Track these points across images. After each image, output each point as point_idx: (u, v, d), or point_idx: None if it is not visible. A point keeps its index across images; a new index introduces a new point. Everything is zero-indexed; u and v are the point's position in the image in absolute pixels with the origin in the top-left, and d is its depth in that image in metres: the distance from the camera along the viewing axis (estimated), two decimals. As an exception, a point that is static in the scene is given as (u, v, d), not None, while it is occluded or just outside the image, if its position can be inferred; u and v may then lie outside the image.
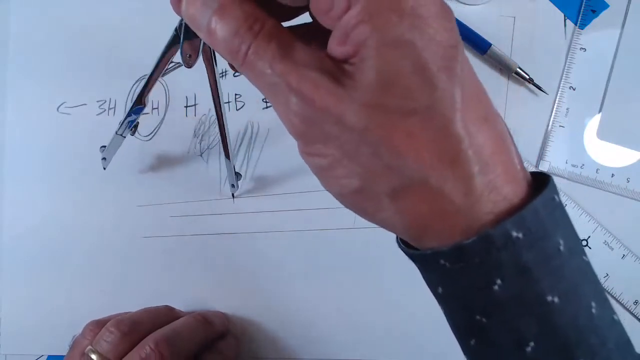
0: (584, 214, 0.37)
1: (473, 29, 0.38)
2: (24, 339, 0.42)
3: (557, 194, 0.20)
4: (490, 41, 0.38)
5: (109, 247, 0.42)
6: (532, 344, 0.19)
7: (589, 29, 0.38)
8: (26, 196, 0.43)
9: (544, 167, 0.38)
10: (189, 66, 0.26)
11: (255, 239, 0.40)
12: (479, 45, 0.38)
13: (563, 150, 0.38)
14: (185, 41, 0.26)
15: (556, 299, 0.19)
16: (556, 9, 0.39)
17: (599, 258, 0.37)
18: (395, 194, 0.19)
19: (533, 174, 0.21)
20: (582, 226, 0.37)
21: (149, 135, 0.42)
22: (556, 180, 0.37)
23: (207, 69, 0.30)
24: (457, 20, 0.40)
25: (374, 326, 0.39)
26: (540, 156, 0.38)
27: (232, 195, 0.41)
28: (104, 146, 0.37)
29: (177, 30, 0.26)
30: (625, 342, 0.21)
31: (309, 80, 0.18)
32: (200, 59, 0.28)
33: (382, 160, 0.18)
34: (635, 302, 0.37)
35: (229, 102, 0.41)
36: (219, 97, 0.32)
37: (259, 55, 0.18)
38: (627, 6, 0.38)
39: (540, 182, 0.20)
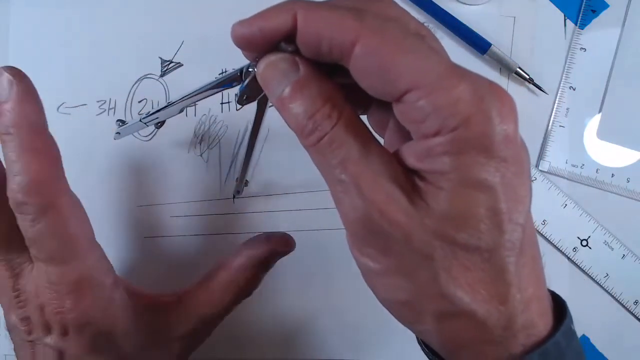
0: (584, 214, 0.37)
1: (473, 29, 0.38)
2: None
3: (572, 320, 0.21)
4: (490, 41, 0.38)
5: (109, 247, 0.42)
6: None
7: (589, 29, 0.38)
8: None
9: (544, 167, 0.38)
10: (241, 105, 0.24)
11: (255, 239, 0.40)
12: (479, 45, 0.38)
13: (563, 150, 0.38)
14: (247, 87, 0.23)
15: None
16: (556, 9, 0.39)
17: (599, 258, 0.37)
18: (441, 317, 0.19)
19: (554, 295, 0.21)
20: (582, 226, 0.37)
21: (149, 135, 0.41)
22: (556, 180, 0.38)
23: (257, 112, 0.28)
24: (457, 20, 0.41)
25: (375, 326, 0.39)
26: (540, 156, 0.38)
27: (233, 195, 0.41)
28: (122, 120, 0.36)
29: (241, 73, 0.23)
30: None
31: (383, 191, 0.18)
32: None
33: (438, 286, 0.18)
34: (635, 302, 0.37)
35: (229, 102, 0.41)
36: (256, 136, 0.30)
37: (333, 148, 0.18)
38: (627, 6, 0.38)
39: (556, 302, 0.21)
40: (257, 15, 0.18)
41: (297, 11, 0.18)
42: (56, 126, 0.44)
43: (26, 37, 0.44)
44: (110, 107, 0.42)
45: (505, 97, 0.18)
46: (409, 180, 0.18)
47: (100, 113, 0.42)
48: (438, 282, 0.18)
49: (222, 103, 0.41)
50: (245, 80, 0.22)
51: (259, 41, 0.19)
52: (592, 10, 0.38)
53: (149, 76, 0.42)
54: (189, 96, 0.27)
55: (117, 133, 0.37)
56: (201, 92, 0.27)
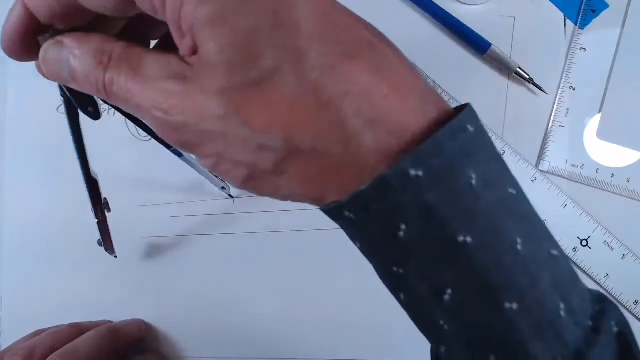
0: (584, 214, 0.37)
1: (473, 29, 0.38)
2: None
3: (474, 122, 0.18)
4: (490, 41, 0.38)
5: (109, 247, 0.42)
6: (449, 291, 0.18)
7: (589, 29, 0.38)
8: (26, 197, 0.43)
9: (544, 167, 0.38)
10: (97, 118, 0.25)
11: (255, 239, 0.40)
12: (479, 45, 0.38)
13: (563, 150, 0.38)
14: (75, 100, 0.24)
15: (469, 239, 0.17)
16: (556, 9, 0.39)
17: (599, 258, 0.37)
18: (279, 169, 0.18)
19: (459, 107, 0.19)
20: (582, 226, 0.37)
21: (149, 135, 0.42)
22: (556, 180, 0.38)
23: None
24: (457, 20, 0.41)
25: (375, 326, 0.39)
26: (540, 156, 0.38)
27: (232, 195, 0.41)
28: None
29: (62, 95, 0.24)
30: (567, 278, 0.19)
31: (161, 91, 0.18)
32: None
33: (253, 143, 0.17)
34: (635, 302, 0.37)
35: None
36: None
37: (116, 84, 0.18)
38: (627, 6, 0.38)
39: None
40: (4, 26, 0.20)
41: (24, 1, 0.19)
42: (56, 126, 0.44)
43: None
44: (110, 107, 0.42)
45: None
46: (186, 64, 0.18)
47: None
48: (248, 138, 0.17)
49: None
50: (69, 95, 0.23)
51: (20, 45, 0.20)
52: (592, 10, 0.38)
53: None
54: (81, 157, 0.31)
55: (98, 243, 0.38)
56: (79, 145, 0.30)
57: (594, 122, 0.38)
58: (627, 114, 0.38)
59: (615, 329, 0.19)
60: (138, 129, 0.41)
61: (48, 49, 0.20)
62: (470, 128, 0.18)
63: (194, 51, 0.17)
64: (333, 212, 0.19)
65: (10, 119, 0.44)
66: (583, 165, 0.38)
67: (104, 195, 0.36)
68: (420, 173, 0.17)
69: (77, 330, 0.38)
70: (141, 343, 0.40)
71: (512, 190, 0.18)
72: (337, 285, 0.39)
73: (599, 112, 0.38)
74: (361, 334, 0.39)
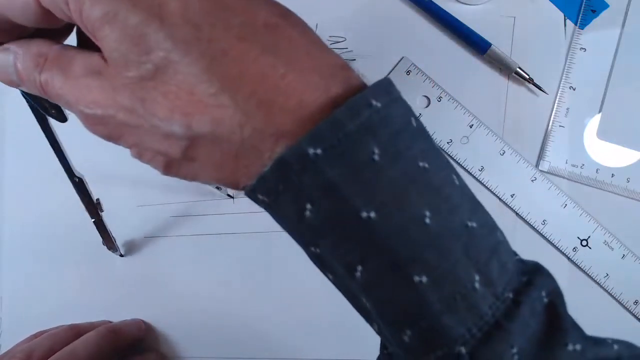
0: (584, 214, 0.37)
1: (473, 29, 0.38)
2: (24, 338, 0.41)
3: (382, 96, 0.18)
4: (490, 41, 0.38)
5: (109, 247, 0.42)
6: (359, 267, 0.18)
7: (589, 29, 0.38)
8: (26, 197, 0.43)
9: (544, 167, 0.38)
10: (63, 121, 0.26)
11: (255, 239, 0.40)
12: (479, 45, 0.38)
13: (563, 150, 0.38)
14: (37, 103, 0.25)
15: (372, 214, 0.17)
16: (556, 9, 0.39)
17: (599, 258, 0.37)
18: (188, 156, 0.19)
19: (377, 83, 0.18)
20: (582, 226, 0.37)
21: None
22: (556, 180, 0.38)
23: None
24: (457, 20, 0.41)
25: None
26: (540, 156, 0.38)
27: (232, 195, 0.41)
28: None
29: (26, 99, 0.25)
30: (484, 249, 0.18)
31: (83, 87, 0.19)
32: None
33: (160, 132, 0.18)
34: (636, 302, 0.37)
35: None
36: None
37: (49, 84, 0.20)
38: (627, 6, 0.38)
39: None
40: None
41: None
42: (55, 126, 0.44)
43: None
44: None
45: None
46: (103, 60, 0.19)
47: (100, 113, 0.42)
48: (154, 128, 0.18)
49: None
50: (28, 98, 0.24)
51: None
52: (592, 10, 0.38)
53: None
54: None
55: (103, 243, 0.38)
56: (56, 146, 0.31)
57: (594, 122, 0.38)
58: (627, 114, 0.38)
59: (546, 300, 0.19)
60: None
61: None
62: (377, 103, 0.17)
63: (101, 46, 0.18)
64: (250, 196, 0.19)
65: (10, 119, 0.44)
66: (583, 165, 0.38)
67: (97, 195, 0.36)
68: (318, 151, 0.16)
69: (76, 331, 0.38)
70: (141, 343, 0.40)
71: (423, 164, 0.18)
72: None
73: (599, 112, 0.38)
74: (362, 334, 0.39)
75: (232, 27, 0.17)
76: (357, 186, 0.17)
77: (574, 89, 0.38)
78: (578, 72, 0.38)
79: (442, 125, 0.38)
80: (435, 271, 0.17)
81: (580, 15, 0.38)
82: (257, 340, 0.40)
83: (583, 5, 0.38)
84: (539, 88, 0.38)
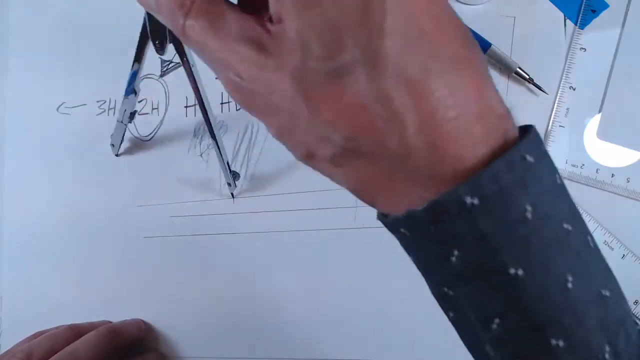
0: (584, 214, 0.37)
1: (473, 29, 0.38)
2: (24, 338, 0.42)
3: (534, 150, 0.17)
4: (490, 41, 0.38)
5: (109, 246, 0.42)
6: (497, 320, 0.18)
7: (589, 29, 0.38)
8: (26, 197, 0.43)
9: (544, 167, 0.38)
10: (161, 53, 0.27)
11: (255, 239, 0.40)
12: (479, 45, 0.38)
13: (563, 150, 0.38)
14: (153, 31, 0.26)
15: (520, 272, 0.17)
16: (556, 9, 0.39)
17: (599, 258, 0.37)
18: (337, 161, 0.18)
19: (523, 127, 0.18)
20: (582, 226, 0.37)
21: (149, 135, 0.42)
22: (556, 180, 0.38)
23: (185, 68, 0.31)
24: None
25: (376, 326, 0.39)
26: (540, 156, 0.38)
27: (232, 195, 0.41)
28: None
29: (145, 19, 0.27)
30: (615, 320, 0.19)
31: (236, 54, 0.18)
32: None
33: (317, 131, 0.17)
34: (636, 302, 0.37)
35: (229, 102, 0.41)
36: (200, 93, 0.33)
37: (193, 33, 0.18)
38: (627, 6, 0.38)
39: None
40: None
41: None
42: (56, 126, 0.44)
43: (26, 37, 0.44)
44: (110, 107, 0.42)
45: None
46: (267, 32, 0.17)
47: (100, 113, 0.42)
48: (312, 124, 0.17)
49: (222, 103, 0.41)
50: (147, 23, 0.26)
51: None
52: (592, 10, 0.38)
53: (149, 76, 0.42)
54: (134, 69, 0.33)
55: (111, 145, 0.38)
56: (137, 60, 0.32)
57: (594, 122, 0.38)
58: (627, 114, 0.38)
59: None
60: (139, 129, 0.41)
61: None
62: (530, 158, 0.17)
63: (279, 19, 0.17)
64: (390, 225, 0.19)
65: (10, 119, 0.44)
66: (583, 165, 0.38)
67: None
68: (475, 201, 0.17)
69: (76, 331, 0.38)
70: (141, 343, 0.40)
71: (567, 226, 0.18)
72: (337, 286, 0.39)
73: (599, 112, 0.38)
74: (362, 334, 0.39)
75: (420, 54, 0.16)
76: (508, 241, 0.17)
77: (574, 89, 0.38)
78: (578, 72, 0.38)
79: (442, 125, 0.38)
80: (571, 337, 0.18)
81: (580, 15, 0.38)
82: (257, 340, 0.40)
83: (583, 5, 0.38)
84: (539, 88, 0.38)
